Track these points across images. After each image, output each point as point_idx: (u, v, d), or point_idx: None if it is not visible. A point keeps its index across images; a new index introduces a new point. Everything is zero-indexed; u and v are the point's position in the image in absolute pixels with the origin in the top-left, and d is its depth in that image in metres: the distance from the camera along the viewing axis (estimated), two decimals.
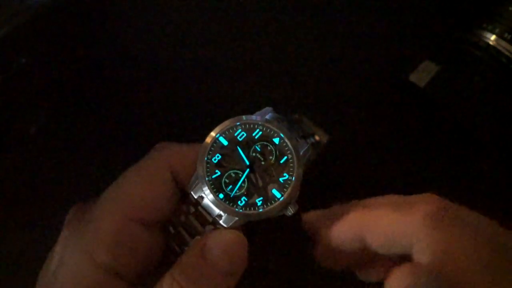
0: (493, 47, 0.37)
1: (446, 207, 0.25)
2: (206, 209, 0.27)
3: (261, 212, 0.27)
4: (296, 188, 0.27)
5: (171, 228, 0.29)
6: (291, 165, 0.27)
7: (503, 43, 0.37)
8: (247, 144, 0.28)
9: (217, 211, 0.27)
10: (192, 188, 0.28)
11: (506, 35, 0.37)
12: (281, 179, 0.27)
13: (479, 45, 0.38)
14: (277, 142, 0.28)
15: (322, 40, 0.43)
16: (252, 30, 0.43)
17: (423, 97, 0.39)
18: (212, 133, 0.28)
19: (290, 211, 0.27)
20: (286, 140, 0.28)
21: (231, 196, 0.27)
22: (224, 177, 0.27)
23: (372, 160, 0.41)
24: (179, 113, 0.42)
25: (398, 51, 0.42)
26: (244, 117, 0.28)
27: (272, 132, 0.28)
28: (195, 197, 0.28)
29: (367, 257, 0.28)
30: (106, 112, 0.42)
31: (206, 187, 0.27)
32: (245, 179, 0.27)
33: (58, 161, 0.41)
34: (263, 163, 0.28)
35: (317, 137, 0.29)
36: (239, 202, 0.27)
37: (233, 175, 0.27)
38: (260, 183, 0.27)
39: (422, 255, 0.25)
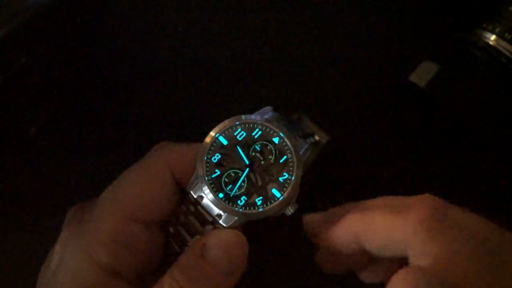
0: (493, 47, 0.37)
1: (441, 209, 0.25)
2: (205, 209, 0.27)
3: (260, 211, 0.27)
4: (295, 188, 0.27)
5: (171, 228, 0.29)
6: (291, 164, 0.27)
7: (503, 43, 0.37)
8: (247, 144, 0.28)
9: (216, 210, 0.27)
10: (192, 187, 0.28)
11: (506, 35, 0.37)
12: (280, 179, 0.27)
13: (479, 45, 0.38)
14: (276, 142, 0.28)
15: (322, 40, 0.43)
16: (252, 30, 0.43)
17: (423, 97, 0.39)
18: (212, 133, 0.28)
19: (290, 211, 0.27)
20: (286, 140, 0.28)
21: (231, 195, 0.27)
22: (224, 176, 0.27)
23: (372, 160, 0.41)
24: (179, 113, 0.42)
25: (398, 51, 0.42)
26: (243, 116, 0.28)
27: (271, 131, 0.28)
28: (195, 196, 0.28)
29: (367, 259, 0.28)
30: (106, 112, 0.42)
31: (206, 187, 0.27)
32: (245, 179, 0.27)
33: (58, 161, 0.41)
34: (262, 162, 0.28)
35: (316, 137, 0.29)
36: (238, 201, 0.27)
37: (233, 174, 0.27)
38: (260, 183, 0.27)
39: (418, 258, 0.25)
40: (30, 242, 0.39)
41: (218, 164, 0.27)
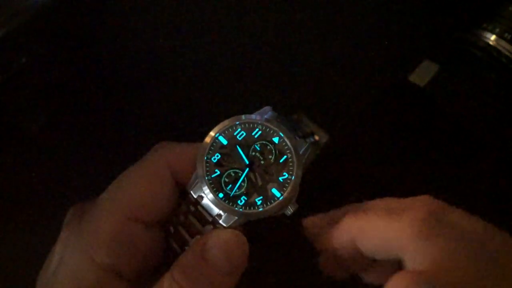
0: (493, 47, 0.37)
1: (437, 211, 0.25)
2: (205, 209, 0.27)
3: (260, 211, 0.27)
4: (295, 188, 0.27)
5: (171, 228, 0.29)
6: (291, 164, 0.27)
7: (503, 43, 0.37)
8: (247, 144, 0.28)
9: (216, 210, 0.27)
10: (192, 187, 0.28)
11: (506, 35, 0.37)
12: (280, 178, 0.27)
13: (479, 45, 0.38)
14: (276, 142, 0.28)
15: (322, 40, 0.43)
16: (252, 30, 0.43)
17: (423, 97, 0.39)
18: (212, 133, 0.28)
19: (290, 210, 0.27)
20: (286, 140, 0.28)
21: (231, 195, 0.27)
22: (224, 176, 0.27)
23: (372, 160, 0.41)
24: (179, 113, 0.42)
25: (398, 51, 0.42)
26: (243, 116, 0.28)
27: (271, 131, 0.28)
28: (195, 196, 0.28)
29: (367, 261, 0.28)
30: (106, 112, 0.42)
31: (206, 187, 0.27)
32: (245, 179, 0.27)
33: (58, 161, 0.41)
34: (262, 162, 0.28)
35: (316, 137, 0.29)
36: (238, 201, 0.27)
37: (233, 174, 0.27)
38: (260, 182, 0.27)
39: (412, 261, 0.25)
40: (30, 242, 0.39)
41: (218, 164, 0.27)
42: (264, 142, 0.28)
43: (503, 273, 0.24)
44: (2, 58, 0.35)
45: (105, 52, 0.43)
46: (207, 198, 0.27)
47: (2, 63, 0.35)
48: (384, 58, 0.42)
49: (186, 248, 0.28)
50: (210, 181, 0.27)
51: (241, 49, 0.43)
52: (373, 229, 0.26)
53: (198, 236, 0.27)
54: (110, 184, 0.28)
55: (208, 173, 0.27)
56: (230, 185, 0.27)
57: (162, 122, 0.42)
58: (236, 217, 0.27)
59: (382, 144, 0.41)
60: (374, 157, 0.41)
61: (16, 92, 0.38)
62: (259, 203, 0.27)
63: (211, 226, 0.27)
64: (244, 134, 0.28)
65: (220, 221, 0.27)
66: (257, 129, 0.28)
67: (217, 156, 0.28)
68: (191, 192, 0.28)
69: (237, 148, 0.28)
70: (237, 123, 0.28)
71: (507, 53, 0.37)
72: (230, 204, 0.27)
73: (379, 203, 0.28)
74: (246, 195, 0.27)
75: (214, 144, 0.28)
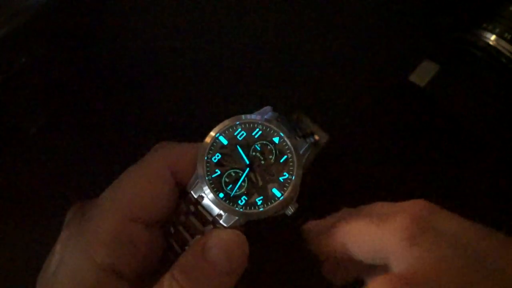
0: (493, 47, 0.37)
1: (424, 216, 0.25)
2: (206, 209, 0.27)
3: (261, 211, 0.27)
4: (296, 187, 0.27)
5: (171, 228, 0.29)
6: (291, 164, 0.27)
7: (503, 43, 0.37)
8: (247, 143, 0.28)
9: (217, 210, 0.27)
10: (192, 187, 0.28)
11: (506, 35, 0.37)
12: (281, 178, 0.27)
13: (479, 45, 0.38)
14: (277, 141, 0.28)
15: (322, 40, 0.43)
16: (252, 30, 0.43)
17: (423, 97, 0.39)
18: (212, 133, 0.28)
19: (290, 210, 0.27)
20: (286, 139, 0.28)
21: (231, 195, 0.27)
22: (224, 176, 0.27)
23: (372, 160, 0.41)
24: (179, 113, 0.42)
25: (398, 51, 0.42)
26: (243, 116, 0.28)
27: (272, 131, 0.28)
28: (195, 196, 0.28)
29: (362, 266, 0.29)
30: (106, 112, 0.42)
31: (206, 187, 0.27)
32: (245, 179, 0.27)
33: (58, 161, 0.41)
34: (263, 162, 0.28)
35: (316, 137, 0.29)
36: (239, 201, 0.27)
37: (233, 174, 0.27)
38: (260, 182, 0.27)
39: (396, 267, 0.25)
40: (30, 242, 0.39)
41: (219, 164, 0.27)
42: (264, 142, 0.28)
43: (491, 278, 0.24)
44: (2, 58, 0.35)
45: (105, 52, 0.43)
46: (208, 198, 0.27)
47: (2, 63, 0.35)
48: (384, 58, 0.42)
49: (187, 248, 0.28)
50: (211, 181, 0.27)
51: (241, 49, 0.43)
52: (362, 235, 0.27)
53: (199, 236, 0.27)
54: (110, 184, 0.28)
55: (208, 173, 0.27)
56: (231, 185, 0.27)
57: (162, 122, 0.42)
58: (237, 217, 0.27)
59: (382, 144, 0.41)
60: (374, 157, 0.41)
61: (16, 92, 0.38)
62: (259, 203, 0.27)
63: (212, 226, 0.27)
64: (245, 134, 0.28)
65: (221, 221, 0.27)
66: (257, 129, 0.28)
67: (218, 156, 0.28)
68: (192, 192, 0.28)
69: (237, 148, 0.28)
70: (238, 123, 0.28)
71: (507, 53, 0.37)
72: (231, 204, 0.27)
73: (371, 208, 0.29)
74: (246, 195, 0.27)
75: (215, 144, 0.28)
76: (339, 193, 0.40)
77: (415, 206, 0.26)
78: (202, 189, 0.27)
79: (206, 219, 0.27)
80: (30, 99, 0.40)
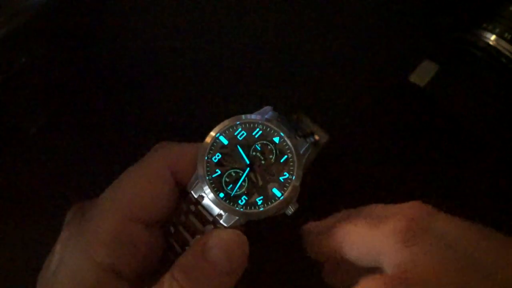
0: (493, 47, 0.37)
1: (419, 219, 0.25)
2: (206, 209, 0.27)
3: (261, 211, 0.27)
4: (296, 187, 0.27)
5: (171, 228, 0.29)
6: (291, 164, 0.27)
7: (503, 43, 0.37)
8: (247, 143, 0.28)
9: (217, 210, 0.27)
10: (192, 187, 0.28)
11: (506, 35, 0.37)
12: (281, 178, 0.27)
13: (479, 45, 0.38)
14: (277, 141, 0.28)
15: (322, 40, 0.43)
16: (252, 30, 0.43)
17: (423, 97, 0.39)
18: (212, 133, 0.28)
19: (291, 210, 0.27)
20: (286, 139, 0.28)
21: (232, 195, 0.27)
22: (225, 176, 0.27)
23: (372, 160, 0.41)
24: (179, 113, 0.42)
25: (398, 51, 0.42)
26: (243, 116, 0.28)
27: (272, 131, 0.28)
28: (195, 196, 0.28)
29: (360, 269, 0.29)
30: (106, 112, 0.42)
31: (207, 186, 0.27)
32: (246, 178, 0.27)
33: (58, 161, 0.41)
34: (263, 162, 0.28)
35: (316, 137, 0.29)
36: (239, 201, 0.27)
37: (234, 174, 0.27)
38: (261, 182, 0.27)
39: (389, 268, 0.25)
40: (30, 242, 0.39)
41: (219, 164, 0.27)
42: (264, 142, 0.28)
43: (486, 280, 0.24)
44: (2, 58, 0.35)
45: (105, 52, 0.43)
46: (208, 198, 0.27)
47: (2, 63, 0.35)
48: (384, 58, 0.42)
49: (187, 248, 0.28)
50: (211, 181, 0.27)
51: (241, 49, 0.43)
52: (358, 237, 0.27)
53: (199, 236, 0.27)
54: (110, 184, 0.28)
55: (208, 173, 0.27)
56: (231, 185, 0.27)
57: (162, 122, 0.42)
58: (237, 217, 0.27)
59: (382, 144, 0.41)
60: (374, 157, 0.41)
61: (16, 92, 0.38)
62: (259, 203, 0.27)
63: (212, 226, 0.27)
64: (245, 134, 0.28)
65: (221, 221, 0.27)
66: (257, 129, 0.28)
67: (218, 156, 0.28)
68: (192, 192, 0.28)
69: (237, 148, 0.28)
70: (238, 123, 0.28)
71: (507, 53, 0.37)
72: (231, 204, 0.27)
73: (369, 209, 0.29)
74: (246, 195, 0.27)
75: (215, 144, 0.28)
76: (339, 193, 0.40)
77: (412, 208, 0.26)
78: (202, 189, 0.27)
79: (206, 219, 0.27)
80: (30, 99, 0.40)
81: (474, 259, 0.24)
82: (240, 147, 0.28)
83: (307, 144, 0.28)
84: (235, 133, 0.28)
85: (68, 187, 0.40)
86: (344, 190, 0.40)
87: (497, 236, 0.26)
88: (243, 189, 0.27)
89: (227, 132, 0.28)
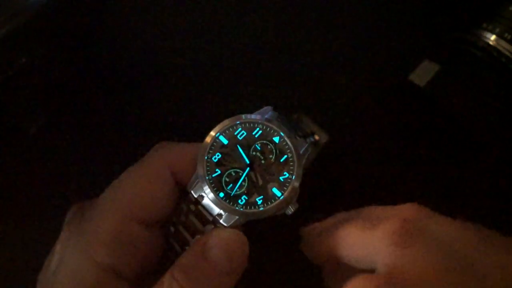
0: (493, 47, 0.37)
1: (413, 221, 0.25)
2: (206, 208, 0.27)
3: (261, 210, 0.27)
4: (296, 187, 0.27)
5: (171, 228, 0.29)
6: (291, 164, 0.27)
7: (503, 43, 0.37)
8: (247, 143, 0.28)
9: (217, 210, 0.27)
10: (192, 187, 0.28)
11: (506, 35, 0.37)
12: (281, 178, 0.27)
13: (479, 45, 0.38)
14: (277, 141, 0.28)
15: (322, 40, 0.43)
16: (252, 30, 0.43)
17: (423, 97, 0.39)
18: (212, 132, 0.28)
19: (290, 210, 0.27)
20: (286, 139, 0.28)
21: (232, 195, 0.27)
22: (224, 176, 0.27)
23: (371, 160, 0.41)
24: (179, 113, 0.42)
25: (398, 51, 0.42)
26: (243, 116, 0.28)
27: (272, 131, 0.28)
28: (195, 196, 0.28)
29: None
30: (106, 112, 0.42)
31: (206, 186, 0.27)
32: (245, 178, 0.27)
33: (58, 161, 0.41)
34: (263, 162, 0.28)
35: (316, 137, 0.29)
36: (239, 201, 0.27)
37: (233, 174, 0.27)
38: (260, 182, 0.27)
39: (381, 270, 0.25)
40: (30, 242, 0.39)
41: (219, 164, 0.27)
42: (264, 141, 0.28)
43: (477, 283, 0.24)
44: (2, 58, 0.35)
45: (105, 52, 0.43)
46: (208, 197, 0.27)
47: (2, 63, 0.35)
48: (384, 58, 0.42)
49: (187, 248, 0.28)
50: (211, 181, 0.27)
51: (241, 49, 0.43)
52: (353, 239, 0.27)
53: (199, 236, 0.27)
54: (110, 184, 0.28)
55: (208, 173, 0.27)
56: (231, 185, 0.27)
57: (162, 122, 0.42)
58: (237, 217, 0.27)
59: (382, 144, 0.41)
60: (374, 157, 0.41)
61: (16, 92, 0.38)
62: (259, 202, 0.27)
63: (212, 226, 0.27)
64: (245, 133, 0.28)
65: (221, 221, 0.27)
66: (257, 129, 0.28)
67: (218, 155, 0.28)
68: (192, 191, 0.28)
69: (237, 148, 0.28)
70: (238, 122, 0.28)
71: (507, 53, 0.37)
72: (231, 203, 0.27)
73: (366, 211, 0.29)
74: (246, 194, 0.27)
75: (215, 143, 0.28)
76: (339, 193, 0.40)
77: (407, 210, 0.26)
78: (202, 189, 0.27)
79: (206, 219, 0.27)
80: (30, 99, 0.40)
81: (469, 262, 0.24)
82: (240, 146, 0.28)
83: (307, 144, 0.28)
84: (235, 133, 0.28)
85: (68, 187, 0.40)
86: (344, 190, 0.40)
87: (496, 238, 0.26)
88: (243, 189, 0.27)
89: (227, 131, 0.28)
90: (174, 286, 0.25)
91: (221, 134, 0.28)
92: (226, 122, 0.28)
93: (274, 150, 0.28)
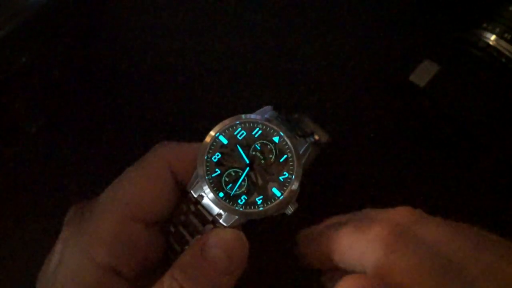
0: (493, 47, 0.37)
1: (405, 225, 0.25)
2: (206, 208, 0.27)
3: (261, 210, 0.27)
4: (296, 187, 0.27)
5: (171, 227, 0.29)
6: (291, 163, 0.27)
7: (503, 43, 0.37)
8: (247, 143, 0.28)
9: (217, 210, 0.27)
10: (192, 187, 0.28)
11: (506, 35, 0.37)
12: (281, 178, 0.27)
13: (479, 45, 0.38)
14: (276, 141, 0.28)
15: (322, 40, 0.43)
16: (252, 30, 0.43)
17: (423, 97, 0.39)
18: (212, 132, 0.28)
19: (290, 210, 0.27)
20: (286, 139, 0.28)
21: (231, 194, 0.27)
22: (224, 175, 0.27)
23: (371, 159, 0.41)
24: (179, 113, 0.42)
25: (398, 51, 0.42)
26: (243, 116, 0.28)
27: (272, 130, 0.28)
28: (195, 196, 0.27)
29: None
30: (106, 112, 0.42)
31: (206, 186, 0.27)
32: (245, 178, 0.27)
33: (58, 161, 0.41)
34: (263, 161, 0.28)
35: (316, 136, 0.29)
36: (239, 200, 0.27)
37: (233, 173, 0.27)
38: (260, 182, 0.27)
39: (370, 272, 0.25)
40: (30, 242, 0.39)
41: (219, 163, 0.27)
42: (264, 141, 0.28)
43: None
44: (2, 58, 0.35)
45: (105, 52, 0.43)
46: (208, 197, 0.27)
47: (2, 63, 0.35)
48: (384, 58, 0.42)
49: (187, 247, 0.28)
50: (211, 181, 0.27)
51: (241, 49, 0.43)
52: (346, 243, 0.26)
53: (199, 236, 0.27)
54: (110, 184, 0.28)
55: (208, 173, 0.27)
56: (231, 185, 0.27)
57: (162, 122, 0.42)
58: (237, 217, 0.27)
59: (382, 144, 0.41)
60: (374, 157, 0.41)
61: (16, 92, 0.38)
62: (259, 202, 0.27)
63: (212, 226, 0.27)
64: (245, 133, 0.28)
65: (221, 221, 0.27)
66: (257, 129, 0.28)
67: (218, 155, 0.28)
68: (192, 191, 0.28)
69: (237, 148, 0.28)
70: (238, 122, 0.28)
71: (507, 53, 0.37)
72: (231, 203, 0.27)
73: (361, 215, 0.29)
74: (246, 194, 0.27)
75: (215, 143, 0.28)
76: (339, 193, 0.40)
77: (398, 214, 0.26)
78: (202, 189, 0.27)
79: (206, 219, 0.27)
80: (30, 99, 0.40)
81: (457, 267, 0.24)
82: (240, 146, 0.28)
83: (307, 144, 0.28)
84: (235, 133, 0.28)
85: (68, 187, 0.40)
86: (344, 190, 0.40)
87: (491, 241, 0.26)
88: (243, 189, 0.27)
89: (227, 131, 0.28)
90: (174, 286, 0.25)
91: (221, 134, 0.28)
92: (226, 122, 0.28)
93: (274, 150, 0.28)
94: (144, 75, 0.43)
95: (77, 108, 0.42)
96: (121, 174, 0.29)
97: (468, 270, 0.24)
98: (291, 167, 0.27)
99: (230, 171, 0.27)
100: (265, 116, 0.29)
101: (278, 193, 0.27)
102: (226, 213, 0.27)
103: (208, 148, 0.28)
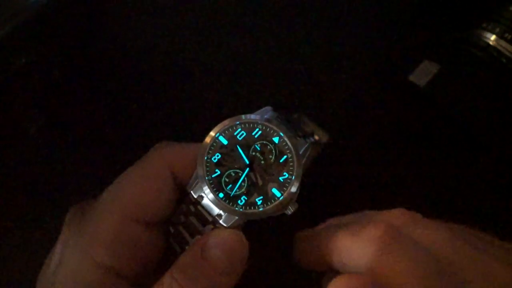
0: (493, 47, 0.37)
1: (400, 227, 0.25)
2: (206, 209, 0.27)
3: (261, 211, 0.27)
4: (296, 187, 0.27)
5: (171, 228, 0.29)
6: (291, 164, 0.27)
7: (503, 43, 0.37)
8: (247, 143, 0.28)
9: (217, 210, 0.27)
10: (192, 187, 0.28)
11: (506, 35, 0.37)
12: (281, 178, 0.27)
13: (479, 45, 0.38)
14: (276, 141, 0.28)
15: (322, 40, 0.43)
16: (252, 30, 0.43)
17: (423, 97, 0.39)
18: (212, 133, 0.28)
19: (290, 210, 0.27)
20: (286, 139, 0.28)
21: (231, 195, 0.27)
22: (224, 176, 0.27)
23: (371, 160, 0.41)
24: (179, 113, 0.42)
25: (398, 51, 0.42)
26: (243, 116, 0.28)
27: (271, 131, 0.28)
28: (195, 196, 0.27)
29: None
30: (106, 112, 0.42)
31: (206, 186, 0.27)
32: (245, 178, 0.27)
33: (58, 161, 0.41)
34: (263, 162, 0.27)
35: (316, 137, 0.29)
36: (239, 201, 0.27)
37: (233, 174, 0.27)
38: (260, 182, 0.27)
39: (365, 274, 0.25)
40: (30, 242, 0.39)
41: (218, 164, 0.27)
42: (264, 142, 0.28)
43: None
44: (2, 58, 0.35)
45: (105, 52, 0.43)
46: (207, 198, 0.27)
47: (2, 63, 0.35)
48: (384, 58, 0.42)
49: (187, 248, 0.28)
50: (211, 181, 0.27)
51: (241, 49, 0.43)
52: (340, 245, 0.27)
53: (199, 236, 0.27)
54: (110, 184, 0.28)
55: (208, 173, 0.27)
56: (231, 185, 0.27)
57: (162, 122, 0.42)
58: (236, 217, 0.27)
59: (382, 144, 0.41)
60: (374, 157, 0.41)
61: (16, 92, 0.38)
62: (259, 203, 0.27)
63: (212, 226, 0.27)
64: (244, 134, 0.28)
65: (221, 221, 0.27)
66: (257, 129, 0.28)
67: (218, 156, 0.28)
68: (191, 192, 0.28)
69: (237, 148, 0.28)
70: (237, 123, 0.28)
71: (507, 53, 0.37)
72: (230, 204, 0.27)
73: (358, 216, 0.29)
74: (246, 195, 0.27)
75: (214, 144, 0.28)
76: (339, 193, 0.40)
77: (393, 216, 0.27)
78: (202, 189, 0.27)
79: (206, 219, 0.27)
80: (30, 99, 0.40)
81: (451, 269, 0.24)
82: (240, 147, 0.28)
83: (307, 144, 0.28)
84: (235, 133, 0.28)
85: (68, 187, 0.40)
86: (344, 190, 0.40)
87: (487, 243, 0.26)
88: (243, 189, 0.27)
89: (226, 132, 0.28)
90: (173, 286, 0.25)
91: (220, 134, 0.28)
92: (226, 122, 0.28)
93: (273, 150, 0.28)
94: (144, 75, 0.43)
95: (77, 108, 0.42)
96: (121, 174, 0.29)
97: (463, 272, 0.24)
98: (291, 168, 0.27)
99: (230, 172, 0.27)
100: (265, 116, 0.28)
101: (278, 194, 0.27)
102: (226, 213, 0.27)
103: (208, 149, 0.28)
